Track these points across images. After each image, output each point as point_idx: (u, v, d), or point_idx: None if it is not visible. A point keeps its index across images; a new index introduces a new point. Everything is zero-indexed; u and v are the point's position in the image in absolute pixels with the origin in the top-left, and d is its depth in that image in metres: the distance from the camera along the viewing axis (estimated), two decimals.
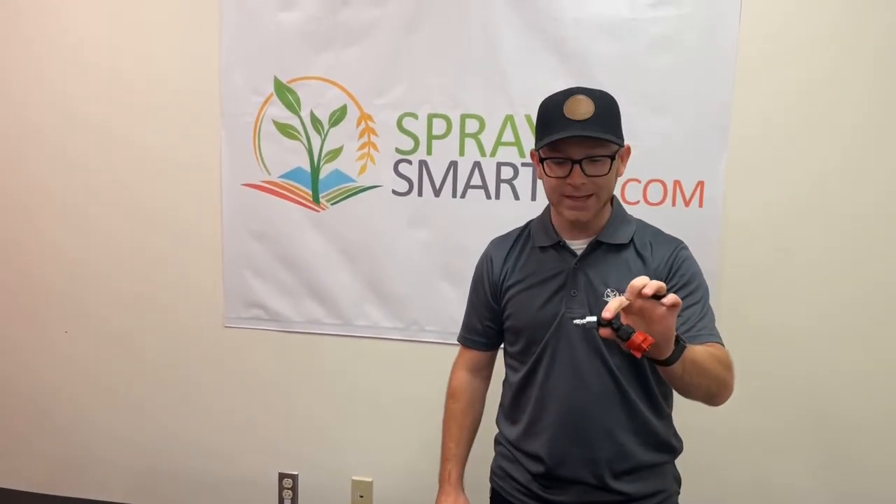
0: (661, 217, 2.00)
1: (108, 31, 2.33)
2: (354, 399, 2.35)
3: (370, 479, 2.38)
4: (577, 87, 1.40)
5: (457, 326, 2.19)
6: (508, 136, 2.12)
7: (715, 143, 2.01)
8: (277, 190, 2.29)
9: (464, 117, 2.14)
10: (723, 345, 1.40)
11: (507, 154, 2.13)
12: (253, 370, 2.40)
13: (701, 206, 2.03)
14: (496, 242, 1.64)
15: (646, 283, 1.10)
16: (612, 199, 1.49)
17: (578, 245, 1.47)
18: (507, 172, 2.14)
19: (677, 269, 1.44)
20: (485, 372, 1.70)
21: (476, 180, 2.16)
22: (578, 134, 1.33)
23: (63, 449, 2.57)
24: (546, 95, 2.05)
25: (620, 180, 2.03)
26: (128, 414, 2.51)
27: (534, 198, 2.13)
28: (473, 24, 2.09)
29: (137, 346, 2.47)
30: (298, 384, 2.38)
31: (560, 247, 1.49)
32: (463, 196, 2.18)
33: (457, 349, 2.20)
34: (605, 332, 1.12)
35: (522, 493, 1.55)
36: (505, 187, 2.15)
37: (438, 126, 2.16)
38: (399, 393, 2.32)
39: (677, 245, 1.49)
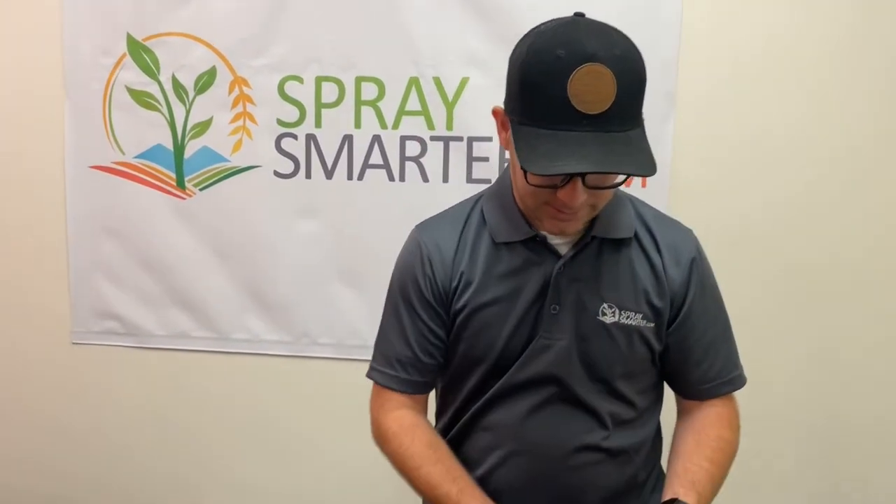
0: None
1: None
2: (232, 428, 1.94)
3: None
4: (592, 48, 0.86)
5: (356, 338, 1.85)
6: (414, 103, 1.75)
7: (661, 105, 1.68)
8: (133, 173, 1.87)
9: (359, 81, 1.76)
10: (741, 383, 1.12)
11: (413, 126, 1.76)
12: (107, 395, 1.97)
13: None
14: (433, 229, 1.12)
15: None
16: None
17: (562, 241, 1.04)
18: (412, 148, 1.77)
19: (698, 289, 1.07)
20: (423, 414, 1.16)
21: (376, 158, 1.79)
22: (590, 137, 0.87)
23: None
24: (457, 55, 1.74)
25: None
26: None
27: (445, 179, 1.77)
28: None
29: None
30: (163, 411, 1.96)
31: (535, 243, 1.04)
32: (360, 178, 1.80)
33: (356, 366, 1.83)
34: None
35: None
36: (411, 166, 1.78)
37: (329, 92, 1.78)
38: (286, 419, 1.92)
39: (692, 243, 1.10)
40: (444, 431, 1.14)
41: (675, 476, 1.02)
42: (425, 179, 1.78)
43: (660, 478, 1.16)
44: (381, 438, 1.11)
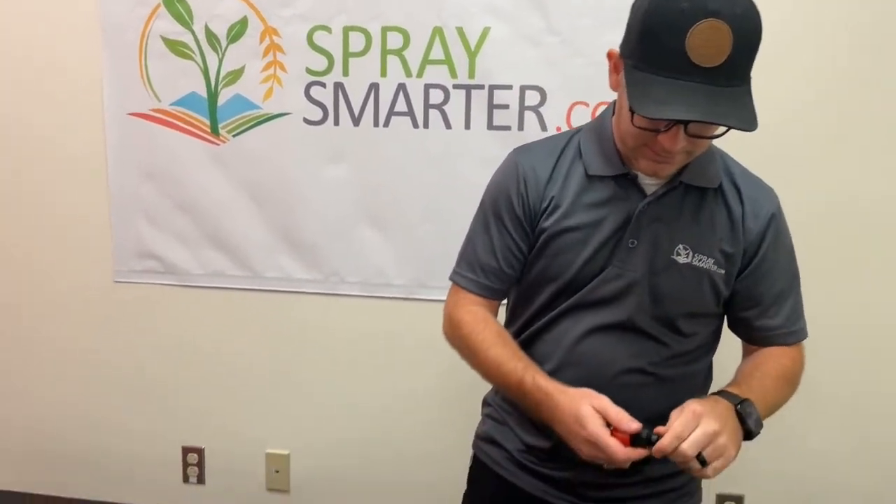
0: None
1: None
2: (267, 361, 2.06)
3: (286, 452, 2.10)
4: (715, 4, 0.91)
5: (382, 277, 1.96)
6: (437, 52, 1.81)
7: None
8: (169, 120, 1.95)
9: (385, 30, 1.82)
10: (803, 335, 1.20)
11: (437, 74, 1.82)
12: (148, 330, 2.09)
13: None
14: (531, 153, 1.21)
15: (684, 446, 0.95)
16: None
17: (652, 182, 1.11)
18: (436, 96, 1.84)
19: (773, 241, 1.14)
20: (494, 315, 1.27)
21: (401, 106, 1.85)
22: (699, 88, 0.93)
23: None
24: (479, 5, 1.79)
25: (567, 104, 1.79)
26: (5, 387, 2.18)
27: (467, 126, 1.84)
28: None
29: (12, 307, 2.13)
30: (201, 346, 2.08)
31: (626, 180, 1.11)
32: (386, 125, 1.87)
33: (381, 303, 1.95)
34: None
35: (513, 464, 1.25)
36: (434, 114, 1.85)
37: (356, 41, 1.84)
38: (317, 353, 2.04)
39: (774, 201, 1.16)
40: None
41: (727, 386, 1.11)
42: (448, 126, 1.84)
43: None
44: (454, 327, 1.22)
